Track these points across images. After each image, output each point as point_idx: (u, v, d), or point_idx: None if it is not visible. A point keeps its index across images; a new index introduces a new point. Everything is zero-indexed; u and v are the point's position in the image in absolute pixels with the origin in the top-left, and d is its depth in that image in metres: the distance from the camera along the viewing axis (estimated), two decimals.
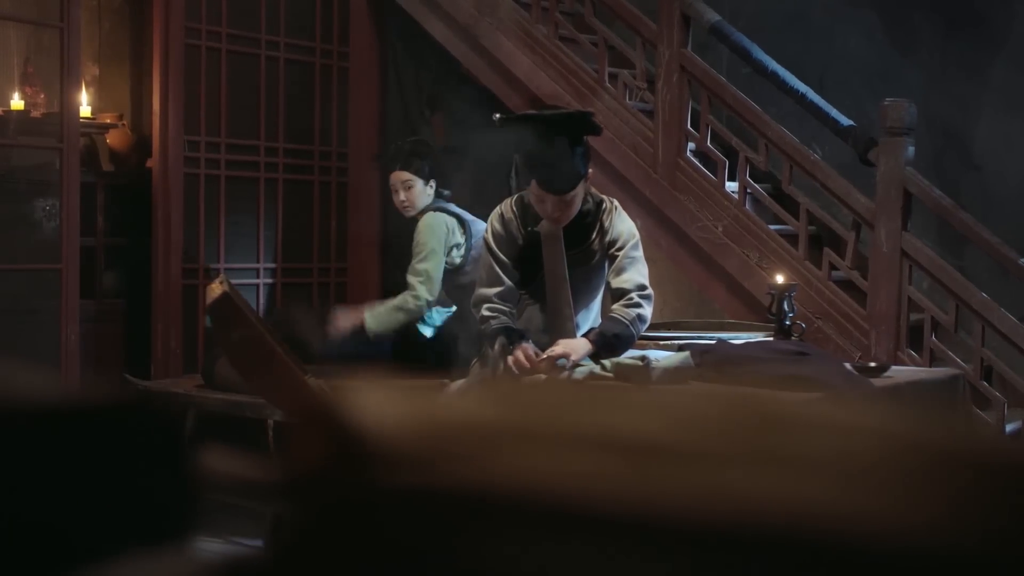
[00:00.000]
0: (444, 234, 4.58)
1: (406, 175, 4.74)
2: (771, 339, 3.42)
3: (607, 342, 3.28)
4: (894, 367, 3.31)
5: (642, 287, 3.38)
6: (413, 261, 4.61)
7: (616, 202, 3.55)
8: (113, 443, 0.64)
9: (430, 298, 4.53)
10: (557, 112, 3.62)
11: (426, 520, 0.50)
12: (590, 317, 3.59)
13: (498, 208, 3.53)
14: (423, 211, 4.72)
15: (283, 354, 3.20)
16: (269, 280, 6.22)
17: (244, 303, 3.28)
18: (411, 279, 4.56)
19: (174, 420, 0.67)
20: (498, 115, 3.54)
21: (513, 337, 3.31)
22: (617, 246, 3.44)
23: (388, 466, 0.51)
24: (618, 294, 3.40)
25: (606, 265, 3.48)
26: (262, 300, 6.12)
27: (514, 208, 3.48)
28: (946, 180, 5.28)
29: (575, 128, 3.39)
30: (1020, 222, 5.30)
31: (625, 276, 3.41)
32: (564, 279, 3.40)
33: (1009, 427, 4.44)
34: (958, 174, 5.63)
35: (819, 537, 0.46)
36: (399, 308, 4.54)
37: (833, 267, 4.89)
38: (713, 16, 5.19)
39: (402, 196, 4.73)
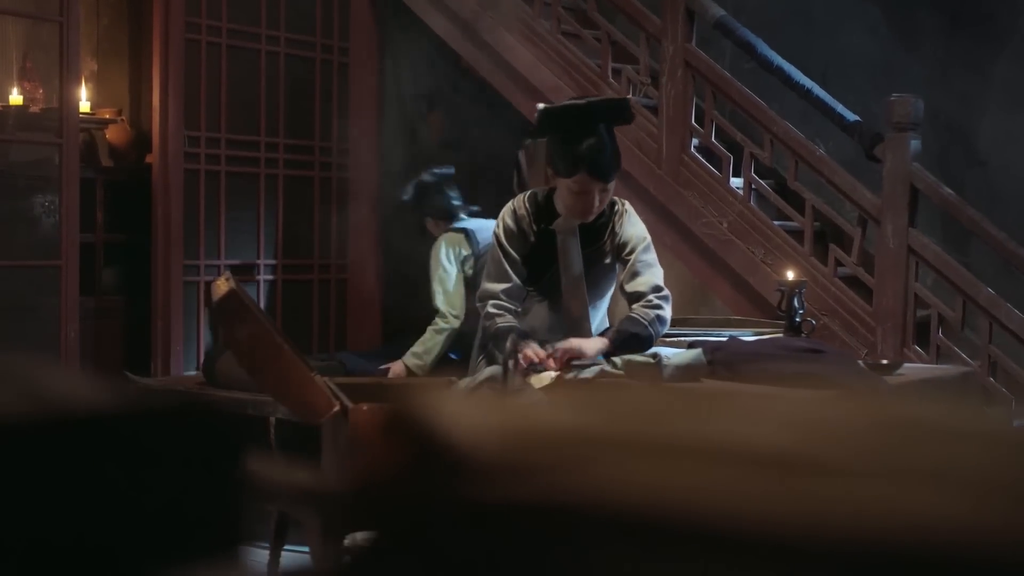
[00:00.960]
0: (449, 253, 4.72)
1: (433, 221, 4.94)
2: (782, 336, 3.39)
3: (625, 341, 3.23)
4: (906, 364, 3.29)
5: (658, 288, 3.33)
6: (432, 282, 4.82)
7: (628, 204, 3.50)
8: (161, 450, 0.61)
9: (454, 311, 4.68)
10: (599, 99, 3.59)
11: (516, 535, 0.47)
12: (597, 318, 3.54)
13: (510, 204, 3.48)
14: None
15: (290, 351, 3.16)
16: (270, 277, 6.18)
17: (250, 300, 3.24)
18: (436, 303, 4.78)
19: (220, 426, 0.64)
20: (541, 105, 3.49)
21: (518, 337, 3.27)
22: (628, 250, 3.39)
23: (473, 477, 0.48)
24: (634, 298, 3.34)
25: (617, 268, 3.44)
26: (263, 297, 6.08)
27: (527, 205, 3.43)
28: (951, 176, 5.25)
29: (616, 114, 3.38)
30: None
31: (640, 280, 3.36)
32: (581, 278, 3.36)
33: (1015, 424, 4.42)
34: (963, 170, 5.60)
35: (981, 555, 0.43)
36: (436, 332, 4.74)
37: (839, 263, 4.87)
38: (718, 11, 5.16)
39: (432, 231, 4.97)
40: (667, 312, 3.32)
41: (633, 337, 3.25)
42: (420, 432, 0.51)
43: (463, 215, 4.92)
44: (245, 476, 0.60)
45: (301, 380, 3.11)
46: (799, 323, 3.52)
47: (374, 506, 0.52)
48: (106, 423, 0.56)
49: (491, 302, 3.42)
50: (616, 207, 3.46)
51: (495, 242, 3.47)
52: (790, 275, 3.57)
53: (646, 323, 3.27)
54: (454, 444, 0.49)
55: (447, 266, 4.76)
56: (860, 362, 3.26)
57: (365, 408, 3.09)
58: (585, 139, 3.24)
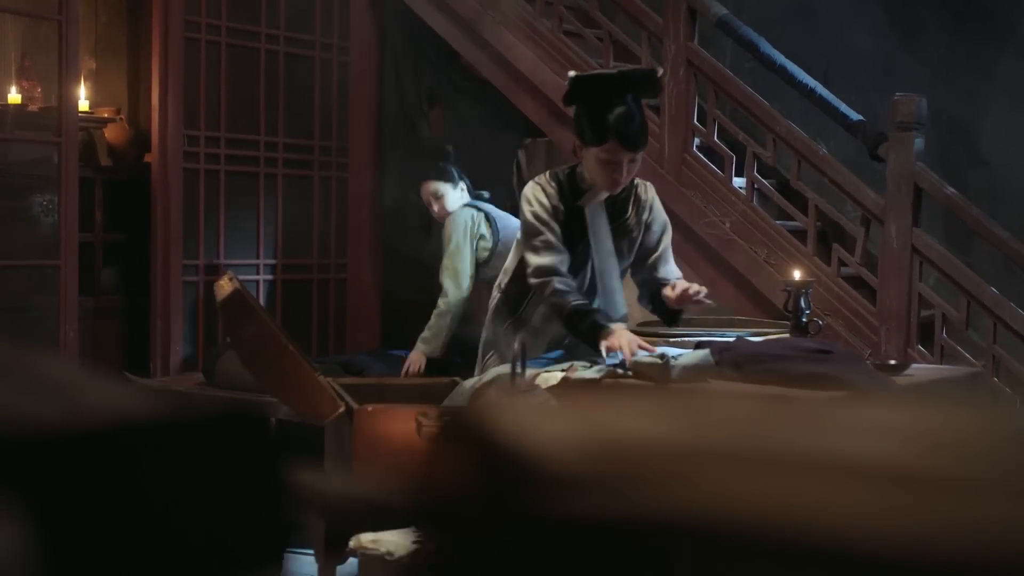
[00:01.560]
0: (467, 227, 4.62)
1: (433, 186, 4.78)
2: (790, 337, 3.37)
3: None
4: (914, 365, 3.27)
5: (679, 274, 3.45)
6: (443, 258, 4.72)
7: (649, 183, 3.54)
8: (199, 459, 0.58)
9: (462, 294, 4.62)
10: (630, 69, 3.58)
11: (602, 553, 0.44)
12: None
13: (533, 183, 3.39)
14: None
15: (295, 351, 3.14)
16: (269, 276, 6.16)
17: (255, 300, 3.22)
18: (442, 279, 4.70)
19: (268, 432, 0.61)
20: (572, 72, 3.47)
21: (602, 321, 3.23)
22: (659, 232, 3.44)
23: (553, 490, 0.45)
24: (664, 283, 3.37)
25: (638, 242, 3.45)
26: (262, 297, 6.05)
27: (551, 183, 3.38)
28: (953, 175, 5.23)
29: (646, 85, 3.37)
30: None
31: (671, 267, 3.44)
32: (611, 252, 3.34)
33: None
34: (965, 169, 5.59)
35: None
36: (439, 315, 4.68)
37: (842, 263, 4.85)
38: (720, 10, 5.14)
39: (435, 208, 4.79)
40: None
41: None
42: (488, 440, 0.48)
43: (484, 194, 4.95)
44: (291, 485, 0.57)
45: (306, 381, 3.09)
46: (806, 323, 3.50)
47: (436, 520, 0.49)
48: (145, 431, 0.54)
49: (556, 280, 3.28)
50: (636, 182, 3.46)
51: (533, 219, 3.33)
52: (797, 275, 3.55)
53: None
54: (527, 454, 0.46)
55: (461, 241, 4.69)
56: (869, 363, 3.24)
57: (371, 409, 3.07)
58: (615, 107, 3.23)
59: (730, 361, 3.08)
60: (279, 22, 6.16)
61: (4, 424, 0.51)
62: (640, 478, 0.45)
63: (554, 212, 3.33)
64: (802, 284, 3.52)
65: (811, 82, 4.92)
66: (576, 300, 3.27)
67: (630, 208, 3.42)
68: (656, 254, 3.45)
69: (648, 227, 3.43)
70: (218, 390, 4.94)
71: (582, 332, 3.25)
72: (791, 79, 4.94)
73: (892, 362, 3.38)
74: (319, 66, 6.32)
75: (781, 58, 4.98)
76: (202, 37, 5.86)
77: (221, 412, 0.57)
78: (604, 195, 3.35)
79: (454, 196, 4.86)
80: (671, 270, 3.45)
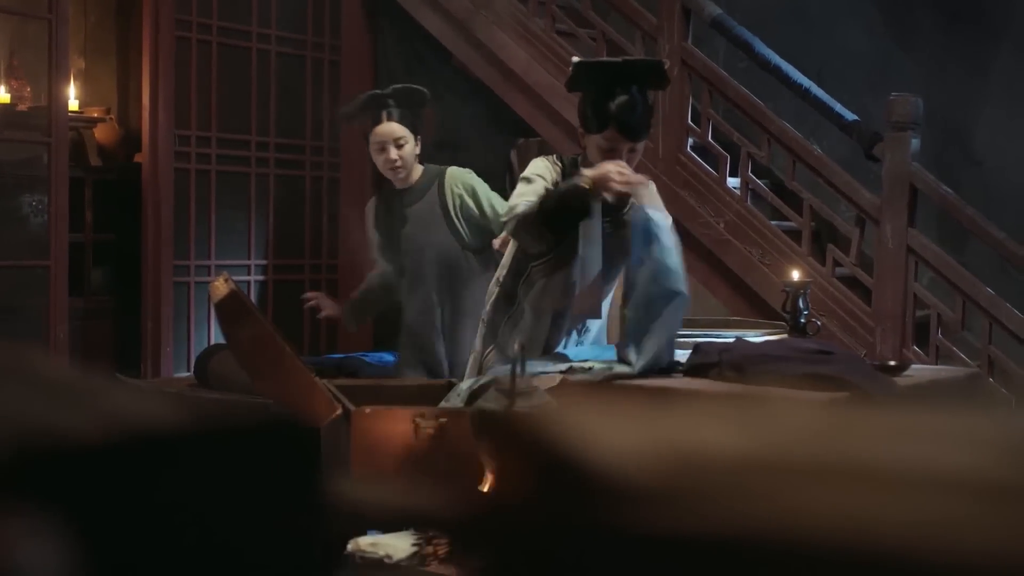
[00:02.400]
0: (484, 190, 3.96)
1: (399, 130, 3.87)
2: (790, 337, 3.35)
3: None
4: (913, 366, 3.25)
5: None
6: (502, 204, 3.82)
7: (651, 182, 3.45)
8: (259, 469, 0.56)
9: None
10: (635, 59, 3.51)
11: (671, 572, 0.42)
12: (611, 292, 3.52)
13: (540, 158, 3.38)
14: (430, 172, 4.03)
15: (292, 353, 3.11)
16: (260, 277, 6.12)
17: (250, 301, 3.19)
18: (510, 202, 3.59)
19: (312, 440, 0.59)
20: (576, 58, 3.43)
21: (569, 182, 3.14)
22: (653, 230, 3.33)
23: (619, 505, 0.43)
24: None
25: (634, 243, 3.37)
26: (253, 297, 6.01)
27: (557, 163, 3.36)
28: (947, 176, 5.22)
29: (652, 76, 3.33)
30: (1023, 217, 5.26)
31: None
32: (598, 242, 3.28)
33: None
34: (959, 169, 5.58)
35: None
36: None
37: (836, 264, 4.83)
38: (714, 9, 5.12)
39: (392, 155, 3.88)
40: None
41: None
42: (553, 447, 0.46)
43: None
44: (334, 496, 0.55)
45: (303, 383, 3.06)
46: (804, 324, 3.48)
47: (496, 529, 0.47)
48: (185, 440, 0.52)
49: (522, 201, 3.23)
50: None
51: (530, 175, 3.28)
52: (795, 275, 3.53)
53: None
54: (593, 463, 0.44)
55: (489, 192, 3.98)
56: (869, 363, 3.21)
57: (368, 411, 3.04)
58: (618, 96, 3.20)
59: (730, 362, 3.06)
60: (270, 21, 6.12)
61: (39, 436, 0.49)
62: (714, 492, 0.43)
63: (554, 186, 3.31)
64: (800, 285, 3.51)
65: (806, 82, 4.91)
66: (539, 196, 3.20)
67: (628, 202, 3.38)
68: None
69: (645, 223, 3.36)
70: (210, 391, 4.90)
71: (563, 204, 3.14)
72: (786, 79, 4.93)
73: (891, 363, 3.36)
74: (311, 65, 6.29)
75: (776, 58, 4.96)
76: (193, 36, 5.82)
77: (266, 420, 0.54)
78: None
79: (413, 149, 3.99)
80: None
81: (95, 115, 6.27)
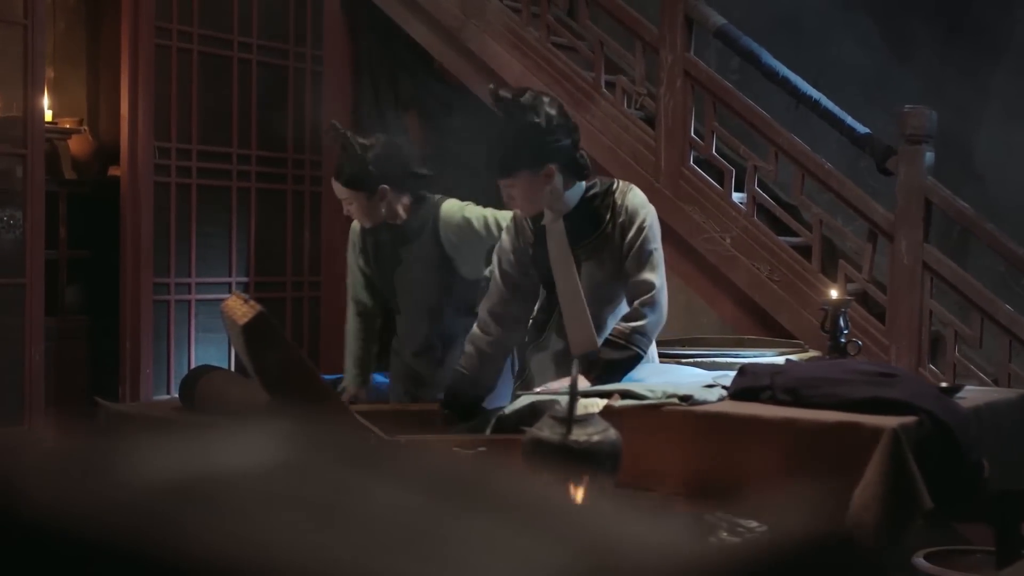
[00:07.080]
0: (493, 220, 3.72)
1: (343, 192, 3.78)
2: (845, 359, 3.21)
3: (605, 369, 3.03)
4: (967, 387, 3.12)
5: (647, 288, 3.09)
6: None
7: (631, 185, 3.25)
8: None
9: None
10: (509, 92, 3.22)
11: None
12: (618, 315, 3.26)
13: (505, 228, 3.42)
14: (424, 210, 3.80)
15: (321, 379, 2.92)
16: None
17: (276, 323, 2.99)
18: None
19: None
20: (492, 85, 3.33)
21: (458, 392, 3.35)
22: (630, 234, 3.15)
23: None
24: (628, 297, 3.17)
25: (622, 251, 3.18)
26: None
27: (514, 219, 3.35)
28: (948, 190, 5.14)
29: (519, 112, 3.13)
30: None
31: (633, 278, 3.13)
32: (571, 273, 3.16)
33: None
34: (959, 183, 5.48)
35: None
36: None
37: (849, 280, 4.71)
38: (718, 19, 4.99)
39: (345, 210, 3.86)
40: (650, 319, 3.07)
41: (612, 364, 3.06)
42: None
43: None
44: None
45: (334, 409, 2.88)
46: (844, 343, 3.35)
47: None
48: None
49: (474, 330, 3.43)
50: (615, 186, 3.24)
51: (494, 257, 3.39)
52: (834, 294, 3.40)
53: (623, 343, 3.07)
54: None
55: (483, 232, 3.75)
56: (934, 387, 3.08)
57: (404, 441, 2.86)
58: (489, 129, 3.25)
59: (783, 385, 2.91)
60: (252, 30, 5.91)
61: None
62: None
63: (514, 250, 3.30)
64: (840, 303, 3.38)
65: (815, 94, 4.79)
66: (458, 366, 3.42)
67: (607, 217, 3.21)
68: (626, 260, 3.18)
69: (624, 230, 3.19)
70: (199, 415, 4.68)
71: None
72: (795, 91, 4.81)
73: (943, 384, 3.23)
74: (292, 76, 6.09)
75: (784, 69, 4.85)
76: (173, 44, 5.60)
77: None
78: (556, 215, 3.20)
79: (366, 204, 3.80)
80: (633, 283, 3.16)
81: (68, 126, 6.02)
